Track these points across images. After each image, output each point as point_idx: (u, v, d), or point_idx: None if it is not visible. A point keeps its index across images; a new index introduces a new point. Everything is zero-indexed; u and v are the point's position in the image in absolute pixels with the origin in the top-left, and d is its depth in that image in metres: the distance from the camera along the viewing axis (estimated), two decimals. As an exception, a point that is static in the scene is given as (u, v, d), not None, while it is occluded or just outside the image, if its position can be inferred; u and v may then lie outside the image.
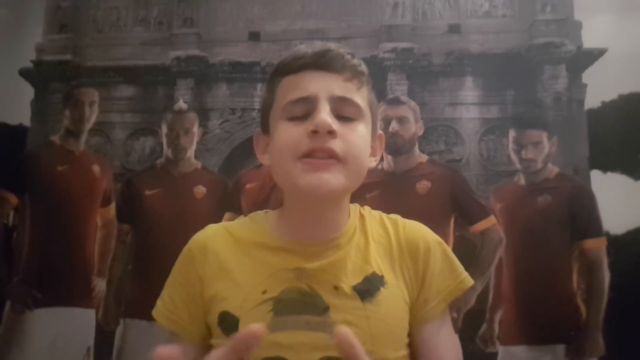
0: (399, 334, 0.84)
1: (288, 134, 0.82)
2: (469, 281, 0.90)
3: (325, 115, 0.81)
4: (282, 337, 0.79)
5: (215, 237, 0.89)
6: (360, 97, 0.86)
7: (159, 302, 0.89)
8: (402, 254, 0.87)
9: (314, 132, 0.80)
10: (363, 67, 0.87)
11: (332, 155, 0.80)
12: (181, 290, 0.88)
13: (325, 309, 0.81)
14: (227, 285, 0.84)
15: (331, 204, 0.86)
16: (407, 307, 0.85)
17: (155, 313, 0.89)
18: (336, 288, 0.82)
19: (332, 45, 0.87)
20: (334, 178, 0.80)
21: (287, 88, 0.85)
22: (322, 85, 0.83)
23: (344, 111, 0.83)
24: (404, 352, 0.84)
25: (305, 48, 0.87)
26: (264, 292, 0.82)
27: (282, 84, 0.86)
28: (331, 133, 0.80)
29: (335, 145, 0.80)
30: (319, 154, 0.80)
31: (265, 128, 0.89)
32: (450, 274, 0.88)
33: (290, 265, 0.84)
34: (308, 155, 0.80)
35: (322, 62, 0.84)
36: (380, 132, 0.92)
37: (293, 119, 0.83)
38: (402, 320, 0.84)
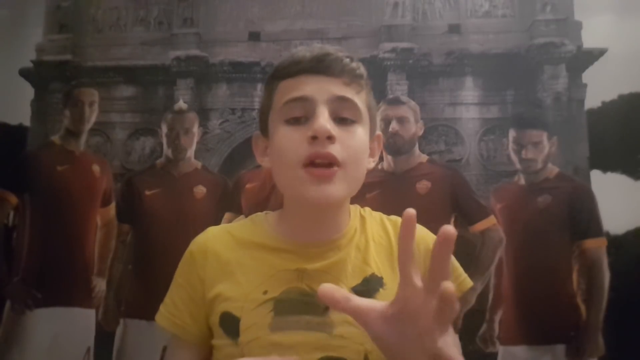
0: None
1: (287, 139, 0.83)
2: (468, 283, 0.90)
3: (323, 120, 0.80)
4: (283, 337, 0.80)
5: (215, 239, 0.90)
6: (359, 100, 0.86)
7: (161, 307, 0.90)
8: None
9: (313, 137, 0.80)
10: (362, 70, 0.87)
11: (332, 161, 0.80)
12: (182, 293, 0.88)
13: (325, 309, 0.81)
14: (229, 286, 0.85)
15: (332, 208, 0.86)
16: None
17: (157, 317, 0.90)
18: None
19: (330, 49, 0.87)
20: (336, 189, 0.81)
21: (285, 91, 0.85)
22: (320, 87, 0.83)
23: (343, 112, 0.83)
24: None
25: (304, 52, 0.87)
26: (265, 292, 0.83)
27: (279, 88, 0.86)
28: (330, 138, 0.80)
29: (335, 150, 0.81)
30: (319, 160, 0.80)
31: (264, 131, 0.90)
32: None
33: (291, 266, 0.84)
34: (309, 162, 0.80)
35: (320, 67, 0.84)
36: (378, 132, 0.93)
37: (291, 121, 0.83)
38: None
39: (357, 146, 0.84)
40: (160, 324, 0.89)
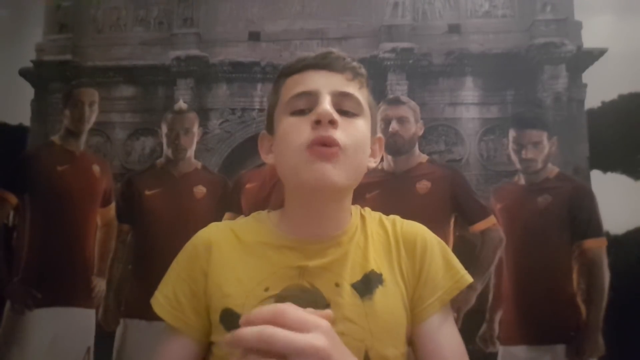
0: (398, 330, 0.85)
1: (292, 127, 0.85)
2: (467, 279, 0.90)
3: (326, 105, 0.83)
4: None
5: (218, 235, 0.91)
6: (361, 96, 0.89)
7: (160, 297, 0.89)
8: (399, 251, 0.89)
9: (317, 122, 0.82)
10: (363, 70, 0.91)
11: (333, 144, 0.82)
12: (185, 287, 0.88)
13: (326, 306, 0.82)
14: (230, 282, 0.85)
15: (333, 202, 0.87)
16: (405, 304, 0.86)
17: (158, 309, 0.89)
18: (337, 285, 0.84)
19: (333, 49, 0.91)
20: (335, 170, 0.82)
21: (291, 86, 0.88)
22: (324, 82, 0.87)
23: (346, 105, 0.86)
24: (404, 349, 0.85)
25: (308, 53, 0.92)
26: (267, 289, 0.84)
27: (286, 84, 0.90)
28: (332, 123, 0.83)
29: (337, 135, 0.83)
30: (321, 143, 0.82)
31: (270, 129, 0.92)
32: (447, 272, 0.89)
33: (293, 263, 0.85)
34: (311, 146, 0.82)
35: (324, 63, 0.88)
36: (379, 135, 0.95)
37: (296, 113, 0.86)
38: (401, 317, 0.85)
39: (359, 135, 0.86)
40: (162, 317, 0.88)
